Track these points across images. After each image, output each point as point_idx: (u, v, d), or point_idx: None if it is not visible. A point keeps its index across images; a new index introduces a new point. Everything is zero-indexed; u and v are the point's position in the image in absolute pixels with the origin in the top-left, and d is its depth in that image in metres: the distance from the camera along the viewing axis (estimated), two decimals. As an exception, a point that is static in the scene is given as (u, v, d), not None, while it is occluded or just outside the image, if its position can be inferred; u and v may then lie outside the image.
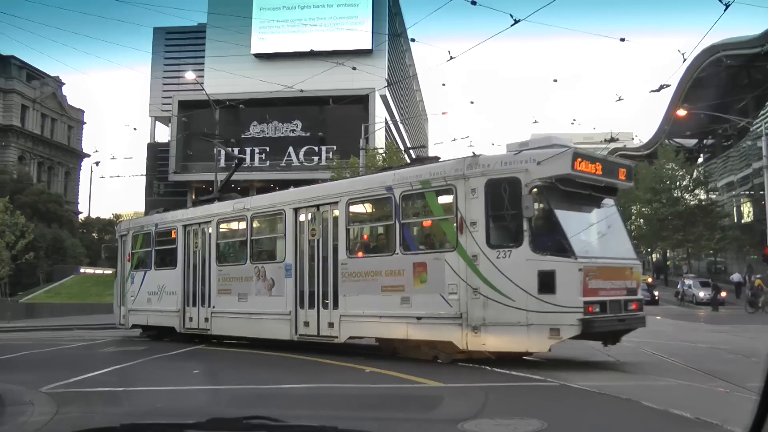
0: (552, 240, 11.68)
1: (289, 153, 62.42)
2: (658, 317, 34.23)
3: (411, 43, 61.06)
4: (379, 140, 56.55)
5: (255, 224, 17.13)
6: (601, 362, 12.85)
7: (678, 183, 57.06)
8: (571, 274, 11.26)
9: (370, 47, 66.68)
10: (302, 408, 8.42)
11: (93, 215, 68.67)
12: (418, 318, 12.74)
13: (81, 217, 68.45)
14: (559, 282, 11.30)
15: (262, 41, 71.37)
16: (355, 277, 14.06)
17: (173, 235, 19.51)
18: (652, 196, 56.48)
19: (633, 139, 76.19)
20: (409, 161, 17.67)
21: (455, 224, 12.39)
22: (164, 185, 66.65)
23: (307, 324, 15.02)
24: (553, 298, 11.27)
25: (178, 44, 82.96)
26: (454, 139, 64.45)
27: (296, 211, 15.61)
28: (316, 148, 61.79)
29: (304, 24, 69.70)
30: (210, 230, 18.25)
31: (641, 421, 7.48)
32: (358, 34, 67.19)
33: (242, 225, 17.37)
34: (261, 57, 70.81)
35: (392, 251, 13.51)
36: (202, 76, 59.94)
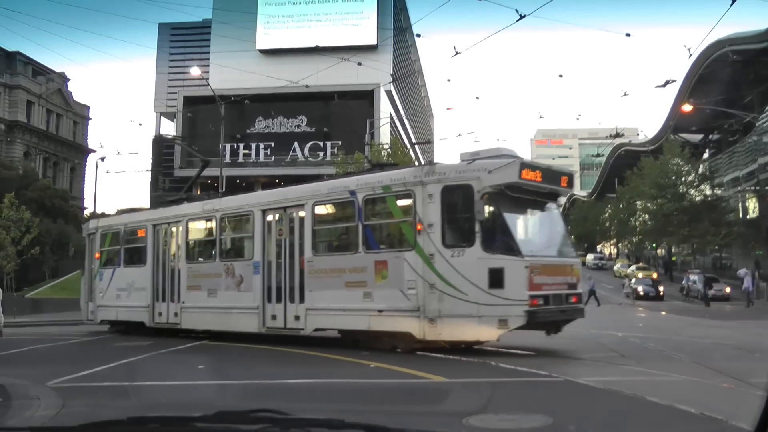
0: (501, 240, 12.92)
1: (294, 148, 62.43)
2: (663, 313, 34.27)
3: (416, 38, 61.01)
4: (384, 136, 56.47)
5: (224, 224, 18.04)
6: (605, 357, 12.90)
7: (683, 178, 56.92)
8: (517, 271, 12.43)
9: (375, 43, 66.59)
10: (309, 402, 8.44)
11: (98, 210, 68.65)
12: (380, 311, 13.79)
13: (86, 212, 68.48)
14: (507, 278, 12.45)
15: (267, 37, 71.29)
16: (321, 273, 15.08)
17: (142, 234, 20.33)
18: (658, 192, 56.36)
19: (638, 134, 76.23)
20: (370, 166, 18.87)
21: (414, 226, 13.49)
22: (169, 180, 66.64)
23: (274, 317, 15.96)
24: (501, 292, 12.43)
25: (183, 40, 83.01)
26: (459, 135, 64.53)
27: (264, 212, 16.62)
28: (321, 144, 61.78)
29: (309, 19, 69.72)
30: (180, 229, 19.11)
31: (646, 416, 7.48)
32: (363, 29, 67.15)
33: (211, 225, 18.30)
34: (266, 53, 70.74)
35: (355, 250, 14.59)
36: (208, 72, 59.94)
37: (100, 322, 21.65)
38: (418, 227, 13.31)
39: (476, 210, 12.66)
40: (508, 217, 13.20)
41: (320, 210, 15.84)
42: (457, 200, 13.10)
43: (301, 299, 15.34)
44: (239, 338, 16.82)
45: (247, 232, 17.25)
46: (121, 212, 23.80)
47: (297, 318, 15.40)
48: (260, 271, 16.36)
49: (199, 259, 18.80)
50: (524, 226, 14.28)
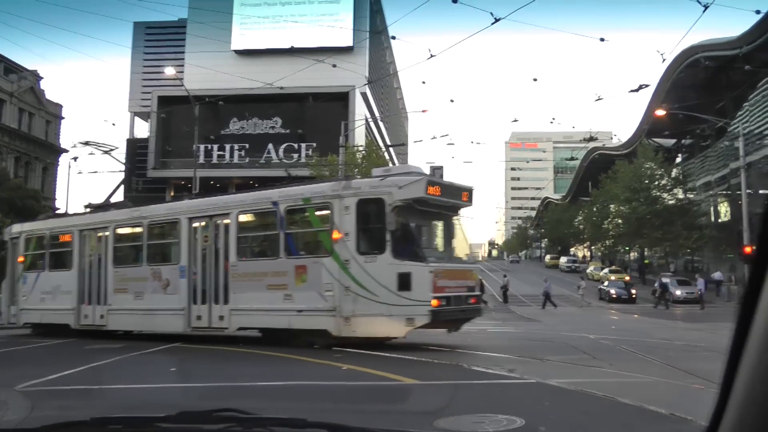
0: (409, 248, 14.45)
1: (269, 150, 62.15)
2: (636, 315, 34.54)
3: (392, 40, 60.99)
4: (359, 138, 56.43)
5: (152, 231, 19.14)
6: (577, 359, 13.02)
7: (657, 182, 57.38)
8: (423, 276, 13.97)
9: (350, 44, 66.54)
10: (280, 403, 8.41)
11: (71, 211, 67.84)
12: (299, 311, 15.17)
13: (59, 212, 67.68)
14: (414, 282, 13.95)
15: (243, 37, 70.96)
16: (244, 277, 16.36)
17: (69, 239, 21.10)
18: (631, 195, 56.79)
19: (612, 138, 76.60)
20: (290, 180, 20.28)
21: (331, 234, 14.93)
22: (143, 181, 66.13)
23: (199, 318, 17.12)
24: (409, 294, 13.90)
25: (158, 39, 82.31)
26: (434, 138, 64.58)
27: (191, 219, 17.80)
28: (295, 145, 61.48)
29: (285, 20, 69.46)
30: (107, 235, 19.94)
31: (617, 417, 7.54)
32: (339, 31, 67.03)
33: (139, 231, 19.36)
34: (241, 53, 70.43)
35: (277, 256, 16.02)
36: (182, 72, 59.58)
37: (23, 325, 22.12)
38: (335, 236, 14.81)
39: (387, 221, 14.13)
40: (415, 227, 15.22)
41: (245, 219, 17.20)
42: (370, 212, 14.61)
43: (226, 301, 16.55)
44: (211, 341, 16.82)
45: (174, 238, 18.26)
46: (46, 217, 24.49)
47: (221, 318, 16.58)
48: (186, 275, 17.45)
49: (127, 263, 19.50)
50: (429, 235, 16.39)
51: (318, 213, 15.64)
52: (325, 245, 15.16)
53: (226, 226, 16.97)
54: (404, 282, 13.95)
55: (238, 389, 9.98)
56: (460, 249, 16.76)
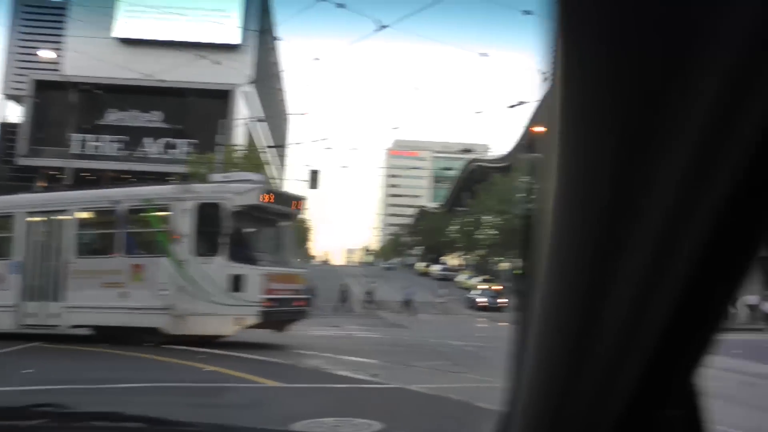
0: (242, 252, 15.39)
1: (147, 144, 60.56)
2: (503, 323, 35.47)
3: (278, 41, 60.74)
4: (240, 137, 55.80)
5: None
6: (439, 365, 13.32)
7: (531, 196, 59.23)
8: (254, 278, 14.95)
9: (236, 42, 65.59)
10: (134, 400, 8.16)
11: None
12: (135, 309, 15.43)
13: None
14: (245, 284, 14.87)
15: (127, 25, 68.90)
16: (81, 274, 16.38)
17: None
18: (506, 208, 58.36)
19: (487, 151, 78.63)
20: (134, 181, 20.81)
21: (169, 236, 15.58)
22: (11, 169, 63.18)
23: (31, 315, 16.90)
24: (241, 295, 14.82)
25: (36, 19, 78.78)
26: (314, 141, 64.45)
27: (28, 215, 17.76)
28: (174, 141, 60.20)
29: (171, 12, 67.92)
30: None
31: (473, 421, 7.72)
32: (226, 27, 66.13)
33: None
34: (124, 42, 68.30)
35: (115, 254, 16.32)
36: (62, 56, 57.37)
37: None
38: (173, 237, 15.45)
39: (223, 225, 14.95)
40: (249, 232, 16.39)
41: (84, 216, 17.39)
42: (208, 216, 15.22)
43: (61, 298, 16.52)
44: (75, 340, 16.19)
45: (8, 232, 17.83)
46: None
47: (55, 315, 16.49)
48: (20, 271, 17.20)
49: None
50: (262, 240, 17.38)
51: (158, 214, 16.25)
52: (163, 245, 15.72)
53: (65, 222, 17.09)
54: (237, 283, 14.83)
55: (93, 391, 9.63)
56: (290, 254, 17.95)
